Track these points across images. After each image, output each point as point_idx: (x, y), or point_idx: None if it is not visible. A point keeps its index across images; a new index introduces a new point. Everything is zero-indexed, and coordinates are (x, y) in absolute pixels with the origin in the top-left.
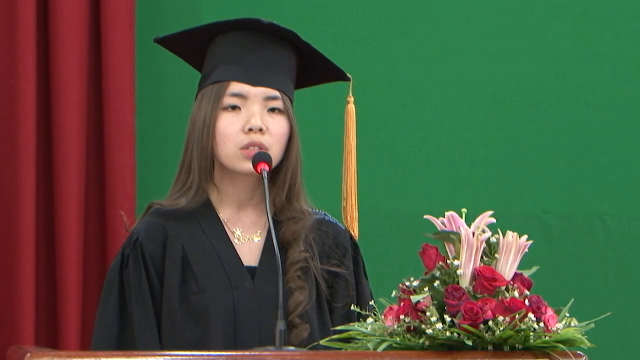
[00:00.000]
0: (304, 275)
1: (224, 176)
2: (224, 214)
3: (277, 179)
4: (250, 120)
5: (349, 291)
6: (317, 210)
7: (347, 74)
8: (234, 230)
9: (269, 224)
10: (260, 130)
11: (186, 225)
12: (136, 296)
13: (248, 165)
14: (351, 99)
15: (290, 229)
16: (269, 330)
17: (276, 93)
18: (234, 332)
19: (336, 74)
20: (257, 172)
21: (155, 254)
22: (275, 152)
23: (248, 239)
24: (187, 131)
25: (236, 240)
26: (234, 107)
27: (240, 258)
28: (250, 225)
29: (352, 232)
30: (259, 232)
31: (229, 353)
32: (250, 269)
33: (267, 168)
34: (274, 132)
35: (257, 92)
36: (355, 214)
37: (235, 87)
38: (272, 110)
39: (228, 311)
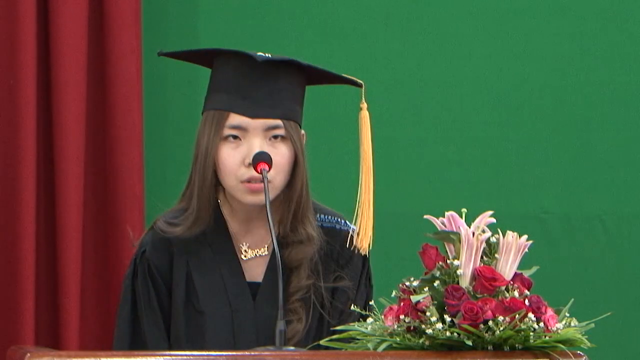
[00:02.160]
0: (304, 303)
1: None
2: (234, 226)
3: (282, 205)
4: (250, 154)
5: (347, 306)
6: (331, 218)
7: (359, 81)
8: (242, 244)
9: (270, 226)
10: None
11: (192, 238)
12: (146, 307)
13: (251, 199)
14: (364, 105)
15: (292, 255)
16: None
17: (277, 122)
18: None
19: (347, 83)
20: (257, 172)
21: (163, 267)
22: (278, 182)
23: (255, 254)
24: (193, 151)
25: (243, 255)
26: (235, 137)
27: (244, 274)
28: (259, 239)
29: (363, 245)
30: (266, 246)
31: (229, 353)
32: (254, 285)
33: (267, 168)
34: (277, 163)
35: (257, 125)
36: (370, 223)
37: (235, 119)
38: (275, 137)
39: (227, 335)
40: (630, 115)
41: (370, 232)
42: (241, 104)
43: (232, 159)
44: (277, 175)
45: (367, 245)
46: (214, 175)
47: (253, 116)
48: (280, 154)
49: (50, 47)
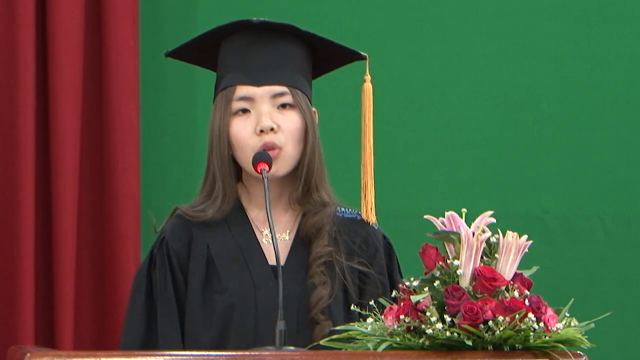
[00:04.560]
0: (327, 270)
1: (250, 177)
2: (253, 213)
3: (295, 173)
4: (260, 121)
5: (377, 290)
6: (351, 210)
7: (362, 53)
8: (263, 229)
9: (269, 223)
10: (272, 129)
11: (213, 225)
12: (161, 295)
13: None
14: (368, 77)
15: (310, 221)
16: (289, 329)
17: (283, 89)
18: (254, 332)
19: (350, 55)
20: (257, 172)
21: (181, 253)
22: (291, 149)
23: (277, 238)
24: (207, 139)
25: (264, 240)
26: (245, 111)
27: (266, 258)
28: (279, 224)
29: (371, 218)
30: (288, 231)
31: (229, 353)
32: (276, 269)
33: (267, 168)
34: (286, 129)
35: (263, 92)
36: (372, 199)
37: (241, 90)
38: (284, 106)
39: (250, 310)
40: (630, 115)
41: (373, 205)
42: (245, 75)
43: (244, 131)
44: (288, 142)
45: (374, 218)
46: (230, 154)
47: (257, 84)
48: (289, 120)
49: (48, 48)
